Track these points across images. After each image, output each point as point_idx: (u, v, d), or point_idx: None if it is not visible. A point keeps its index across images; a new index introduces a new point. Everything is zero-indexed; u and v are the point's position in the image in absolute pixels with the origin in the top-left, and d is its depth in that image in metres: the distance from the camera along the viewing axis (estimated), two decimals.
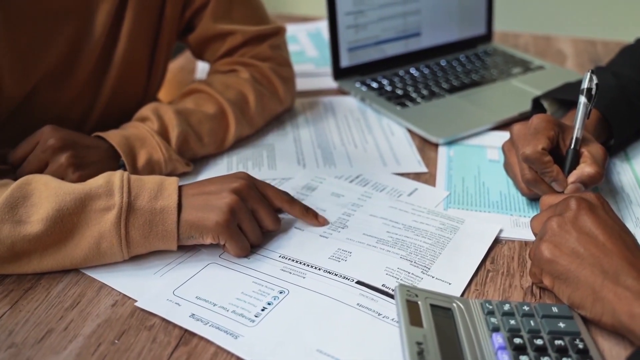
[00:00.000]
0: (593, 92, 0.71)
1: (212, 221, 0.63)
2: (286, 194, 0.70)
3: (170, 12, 0.87)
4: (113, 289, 0.63)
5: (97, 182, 0.64)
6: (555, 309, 0.57)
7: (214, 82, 0.89)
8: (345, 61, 1.08)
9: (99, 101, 0.85)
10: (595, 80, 0.71)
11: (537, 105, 0.90)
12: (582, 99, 0.71)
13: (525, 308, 0.57)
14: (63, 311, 0.60)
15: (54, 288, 0.63)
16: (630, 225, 0.71)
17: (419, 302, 0.55)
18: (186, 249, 0.67)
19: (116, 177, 0.65)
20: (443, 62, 1.14)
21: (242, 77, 0.90)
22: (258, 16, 0.94)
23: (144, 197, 0.64)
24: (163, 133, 0.80)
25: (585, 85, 0.71)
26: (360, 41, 1.08)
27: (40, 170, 0.72)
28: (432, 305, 0.55)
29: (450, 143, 0.90)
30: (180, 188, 0.66)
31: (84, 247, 0.63)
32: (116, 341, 0.56)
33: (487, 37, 1.23)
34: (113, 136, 0.77)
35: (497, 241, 0.69)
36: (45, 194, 0.62)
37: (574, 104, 0.77)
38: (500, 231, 0.70)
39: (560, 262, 0.57)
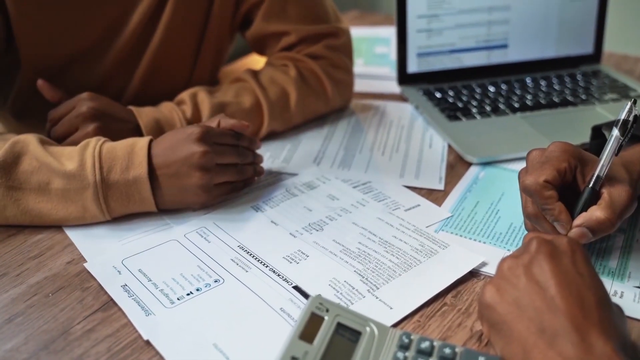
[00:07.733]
0: (629, 125, 0.60)
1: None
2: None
3: (219, 8, 0.88)
4: (77, 247, 0.66)
5: (72, 162, 0.66)
6: (481, 359, 0.49)
7: (262, 74, 0.89)
8: (412, 67, 1.02)
9: (131, 84, 0.89)
10: (634, 112, 0.60)
11: (598, 136, 0.78)
12: (615, 132, 0.60)
13: (447, 350, 0.49)
14: (26, 259, 0.64)
15: (32, 238, 0.68)
16: None
17: (325, 318, 0.51)
18: (161, 223, 0.69)
19: (88, 153, 0.67)
20: (528, 80, 1.03)
21: (289, 75, 0.88)
22: (315, 15, 0.92)
23: (116, 170, 0.66)
24: (194, 122, 0.81)
25: (622, 116, 0.60)
26: (433, 47, 1.02)
27: (71, 133, 0.77)
28: (339, 324, 0.50)
29: (486, 164, 0.81)
30: (150, 151, 0.68)
31: (71, 216, 0.67)
32: (50, 295, 0.59)
33: (595, 57, 1.09)
34: (145, 115, 0.79)
35: (474, 275, 0.62)
36: (34, 164, 0.67)
37: None
38: (483, 264, 0.62)
39: (497, 309, 0.49)
